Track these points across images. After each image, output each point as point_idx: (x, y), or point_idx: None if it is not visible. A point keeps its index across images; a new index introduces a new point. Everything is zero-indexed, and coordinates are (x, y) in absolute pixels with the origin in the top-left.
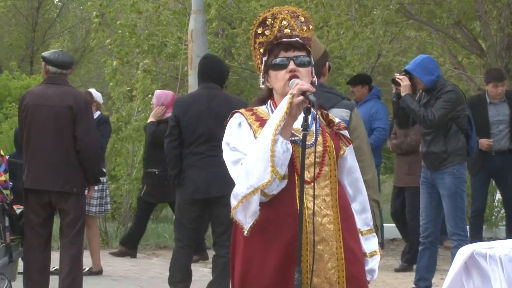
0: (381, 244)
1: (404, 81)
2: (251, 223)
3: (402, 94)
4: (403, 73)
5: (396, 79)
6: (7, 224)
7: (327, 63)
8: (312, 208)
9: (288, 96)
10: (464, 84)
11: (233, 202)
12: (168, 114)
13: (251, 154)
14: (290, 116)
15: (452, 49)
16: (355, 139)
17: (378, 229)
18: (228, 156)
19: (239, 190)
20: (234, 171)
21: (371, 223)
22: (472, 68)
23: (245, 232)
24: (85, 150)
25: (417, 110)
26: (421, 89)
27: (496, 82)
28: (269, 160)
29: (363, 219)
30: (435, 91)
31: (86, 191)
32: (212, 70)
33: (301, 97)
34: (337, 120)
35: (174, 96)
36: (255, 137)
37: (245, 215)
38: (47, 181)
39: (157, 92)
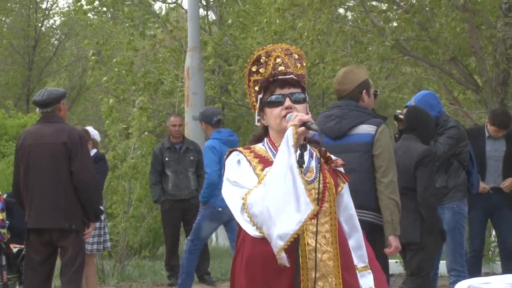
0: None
1: None
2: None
3: None
4: (406, 109)
5: (399, 116)
6: (4, 263)
7: (370, 90)
8: (313, 244)
9: (291, 128)
10: (460, 120)
11: (281, 242)
12: None
13: (278, 195)
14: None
15: (448, 84)
16: (378, 148)
17: (393, 222)
18: (229, 191)
19: (286, 230)
20: (236, 206)
21: (367, 260)
22: (468, 104)
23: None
24: (82, 186)
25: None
26: None
27: (498, 128)
28: (304, 191)
29: (359, 256)
30: (438, 127)
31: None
32: (415, 121)
33: (303, 128)
34: (333, 157)
35: None
36: (255, 173)
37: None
38: (47, 219)
39: None
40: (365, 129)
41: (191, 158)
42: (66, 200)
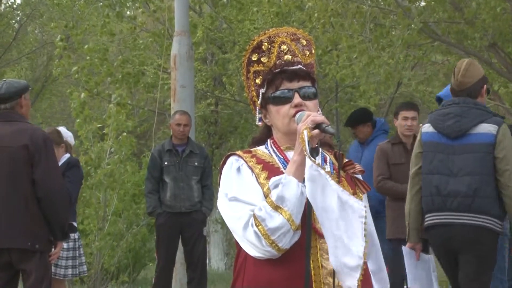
0: None
1: None
2: None
3: None
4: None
5: None
6: None
7: (485, 86)
8: (329, 267)
9: (305, 131)
10: None
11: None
12: None
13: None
14: (303, 153)
15: (487, 76)
16: (501, 150)
17: None
18: (227, 208)
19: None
20: (237, 224)
21: (388, 285)
22: (510, 99)
23: None
24: (47, 197)
25: None
26: None
27: None
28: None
29: (379, 279)
30: None
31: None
32: None
33: (317, 130)
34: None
35: None
36: (259, 182)
37: None
38: (4, 237)
39: None
40: (486, 128)
41: (196, 164)
42: (28, 215)
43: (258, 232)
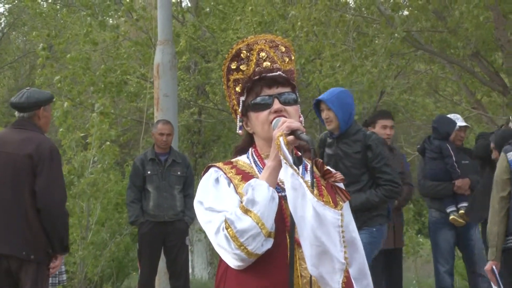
0: None
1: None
2: None
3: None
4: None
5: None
6: None
7: None
8: (308, 276)
9: (281, 138)
10: (484, 127)
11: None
12: None
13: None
14: (277, 159)
15: (470, 85)
16: None
17: None
18: (203, 216)
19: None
20: (210, 231)
21: None
22: (493, 108)
23: None
24: (46, 209)
25: (379, 198)
26: (330, 130)
27: None
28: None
29: (363, 286)
30: (349, 138)
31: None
32: None
33: (292, 137)
34: (333, 170)
35: None
36: (237, 193)
37: None
38: (2, 243)
39: None
40: None
41: (178, 173)
42: (26, 224)
43: (228, 235)
